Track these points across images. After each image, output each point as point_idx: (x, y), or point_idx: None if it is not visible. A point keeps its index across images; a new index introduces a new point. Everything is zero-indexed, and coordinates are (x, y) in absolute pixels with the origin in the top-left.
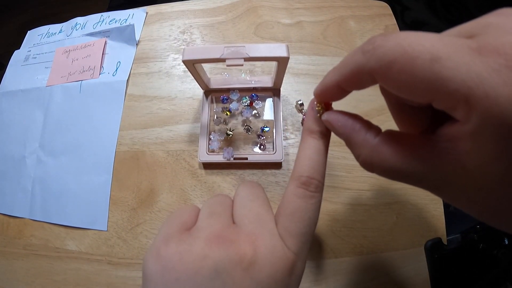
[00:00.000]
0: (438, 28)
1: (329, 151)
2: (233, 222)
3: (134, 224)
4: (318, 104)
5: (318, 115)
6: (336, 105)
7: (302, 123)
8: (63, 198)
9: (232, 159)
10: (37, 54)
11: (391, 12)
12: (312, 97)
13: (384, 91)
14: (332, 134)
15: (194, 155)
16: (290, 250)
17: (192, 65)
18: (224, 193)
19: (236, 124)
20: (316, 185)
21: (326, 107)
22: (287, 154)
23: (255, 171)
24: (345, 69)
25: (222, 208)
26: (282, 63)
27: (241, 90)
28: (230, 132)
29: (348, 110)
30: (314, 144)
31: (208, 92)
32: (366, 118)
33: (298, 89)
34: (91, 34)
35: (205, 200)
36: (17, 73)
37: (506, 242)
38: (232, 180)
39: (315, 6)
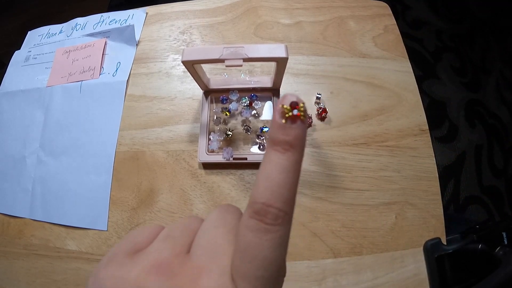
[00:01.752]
0: (438, 27)
1: (329, 151)
2: (188, 251)
3: (134, 224)
4: (286, 107)
5: (283, 120)
6: (337, 105)
7: None
8: (63, 198)
9: (231, 159)
10: (37, 55)
11: (390, 12)
12: (313, 97)
13: None
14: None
15: (194, 155)
16: None
17: (192, 66)
18: (223, 193)
19: (235, 124)
20: (275, 215)
21: (294, 111)
22: None
23: (254, 171)
24: None
25: (181, 233)
26: (281, 63)
27: (241, 90)
28: (229, 132)
29: (348, 110)
30: (276, 159)
31: (208, 92)
32: (365, 118)
33: (298, 89)
34: (91, 35)
35: (205, 200)
36: (17, 74)
37: (506, 242)
38: (232, 180)
39: (314, 6)
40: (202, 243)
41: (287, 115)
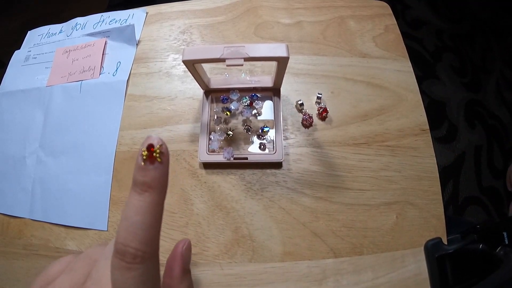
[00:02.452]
0: (438, 27)
1: (329, 151)
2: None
3: None
4: (144, 150)
5: (142, 163)
6: (338, 103)
7: (302, 124)
8: (63, 198)
9: (232, 159)
10: (37, 54)
11: (391, 12)
12: (313, 97)
13: None
14: None
15: (194, 155)
16: None
17: (192, 65)
18: (223, 193)
19: (236, 124)
20: (133, 254)
21: (151, 153)
22: (287, 154)
23: (255, 171)
24: None
25: (81, 265)
26: (282, 63)
27: (241, 90)
28: (230, 132)
29: (349, 110)
30: (134, 200)
31: (208, 92)
32: (366, 118)
33: (298, 89)
34: (91, 34)
35: (205, 200)
36: (17, 73)
37: (507, 242)
38: (232, 180)
39: (315, 6)
40: (92, 276)
41: (144, 157)
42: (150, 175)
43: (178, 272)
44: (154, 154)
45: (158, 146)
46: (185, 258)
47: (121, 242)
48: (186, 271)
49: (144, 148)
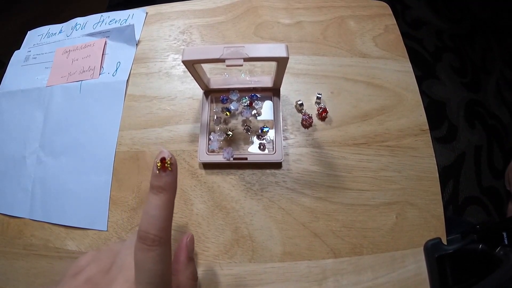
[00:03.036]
0: (438, 27)
1: (329, 151)
2: (110, 268)
3: (134, 224)
4: (158, 161)
5: (157, 171)
6: (338, 103)
7: (301, 124)
8: (63, 198)
9: (232, 159)
10: (37, 54)
11: (391, 12)
12: (313, 97)
13: None
14: None
15: (194, 155)
16: None
17: (192, 66)
18: (223, 193)
19: (236, 124)
20: (152, 239)
21: (163, 164)
22: (287, 154)
23: (255, 171)
24: None
25: (105, 255)
26: (281, 63)
27: (241, 90)
28: (230, 132)
29: (349, 110)
30: (152, 199)
31: (208, 92)
32: (366, 117)
33: (298, 89)
34: (91, 34)
35: (205, 200)
36: (17, 73)
37: (506, 242)
38: (232, 180)
39: (315, 6)
40: (117, 262)
41: (158, 167)
42: (163, 180)
43: (183, 259)
44: (166, 164)
45: (168, 158)
46: (189, 248)
47: (143, 230)
48: (190, 259)
49: (158, 160)
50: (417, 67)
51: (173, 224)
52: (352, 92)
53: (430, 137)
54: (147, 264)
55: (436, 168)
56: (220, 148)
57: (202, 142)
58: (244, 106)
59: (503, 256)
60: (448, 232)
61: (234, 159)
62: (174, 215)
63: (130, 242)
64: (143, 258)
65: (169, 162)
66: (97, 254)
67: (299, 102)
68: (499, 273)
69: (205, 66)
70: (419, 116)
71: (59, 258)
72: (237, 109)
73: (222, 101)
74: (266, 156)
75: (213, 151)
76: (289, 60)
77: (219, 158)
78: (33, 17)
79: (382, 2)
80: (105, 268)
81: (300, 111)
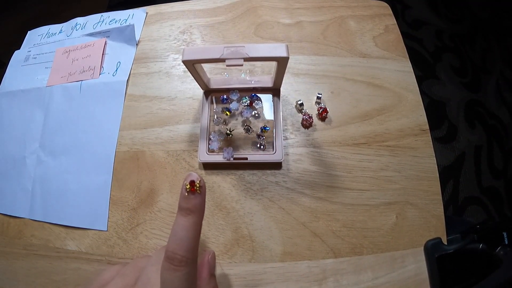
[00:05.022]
0: (438, 27)
1: (329, 151)
2: (135, 283)
3: (134, 224)
4: (187, 184)
5: (186, 193)
6: (338, 103)
7: (302, 124)
8: (63, 198)
9: (232, 159)
10: (37, 54)
11: (391, 12)
12: (313, 97)
13: None
14: None
15: (194, 155)
16: None
17: (192, 65)
18: (223, 193)
19: (236, 124)
20: (179, 260)
21: (192, 187)
22: (287, 154)
23: (255, 171)
24: None
25: (130, 271)
26: (282, 63)
27: (241, 90)
28: (230, 132)
29: (349, 110)
30: (180, 220)
31: (208, 92)
32: (366, 117)
33: (298, 89)
34: (91, 34)
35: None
36: (17, 73)
37: (506, 242)
38: (232, 180)
39: (315, 6)
40: (142, 278)
41: (187, 190)
42: (192, 202)
43: (205, 276)
44: (195, 187)
45: (197, 181)
46: (211, 265)
47: (171, 251)
48: (211, 275)
49: (187, 183)
50: (417, 67)
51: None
52: (352, 92)
53: (430, 137)
54: (174, 283)
55: (436, 168)
56: (220, 148)
57: (202, 142)
58: (244, 106)
59: (503, 256)
60: (448, 232)
61: (234, 159)
62: (173, 215)
63: (155, 258)
64: (170, 277)
65: (198, 185)
66: (122, 269)
67: (299, 102)
68: (499, 273)
69: (205, 66)
70: (419, 116)
71: (59, 258)
72: (237, 109)
73: (222, 101)
74: (266, 156)
75: (213, 151)
76: (289, 60)
77: (219, 158)
78: (33, 17)
79: (382, 2)
80: (130, 283)
81: (300, 111)
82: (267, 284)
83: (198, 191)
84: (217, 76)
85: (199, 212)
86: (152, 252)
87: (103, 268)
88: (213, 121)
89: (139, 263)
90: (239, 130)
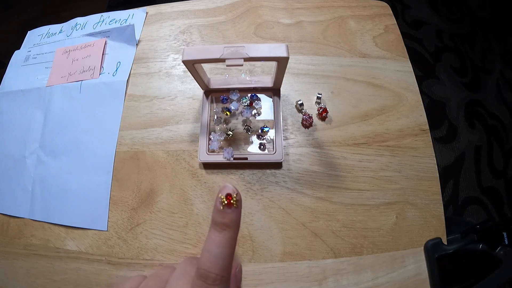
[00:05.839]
0: (438, 27)
1: (329, 151)
2: None
3: (134, 224)
4: (222, 197)
5: (221, 207)
6: (338, 103)
7: (302, 124)
8: (63, 198)
9: (232, 159)
10: (37, 54)
11: (391, 12)
12: (313, 97)
13: None
14: None
15: (194, 155)
16: None
17: (192, 65)
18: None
19: (236, 124)
20: (213, 278)
21: (229, 200)
22: (287, 154)
23: (255, 171)
24: None
25: (154, 283)
26: (282, 63)
27: (241, 90)
28: (230, 132)
29: (349, 110)
30: (214, 236)
31: (208, 92)
32: (366, 118)
33: (298, 89)
34: (91, 34)
35: (205, 200)
36: (17, 73)
37: (506, 242)
38: (232, 180)
39: (315, 6)
40: None
41: (223, 203)
42: (228, 217)
43: None
44: (232, 201)
45: (234, 195)
46: (237, 278)
47: (205, 269)
48: None
49: (223, 196)
50: (417, 67)
51: (172, 224)
52: (352, 92)
53: (430, 137)
54: None
55: (436, 168)
56: (220, 148)
57: (202, 142)
58: (244, 106)
59: (503, 256)
60: (448, 232)
61: (234, 159)
62: (173, 215)
63: (181, 271)
64: None
65: (235, 198)
66: (145, 281)
67: (299, 102)
68: (499, 273)
69: (205, 66)
70: (419, 116)
71: (59, 258)
72: (237, 109)
73: (222, 101)
74: (266, 156)
75: (213, 151)
76: (289, 60)
77: (219, 158)
78: (33, 17)
79: (382, 2)
80: None
81: (300, 111)
82: (267, 284)
83: (234, 205)
84: (217, 76)
85: (235, 227)
86: (177, 264)
87: (103, 268)
88: (213, 121)
89: (162, 275)
90: (239, 130)
